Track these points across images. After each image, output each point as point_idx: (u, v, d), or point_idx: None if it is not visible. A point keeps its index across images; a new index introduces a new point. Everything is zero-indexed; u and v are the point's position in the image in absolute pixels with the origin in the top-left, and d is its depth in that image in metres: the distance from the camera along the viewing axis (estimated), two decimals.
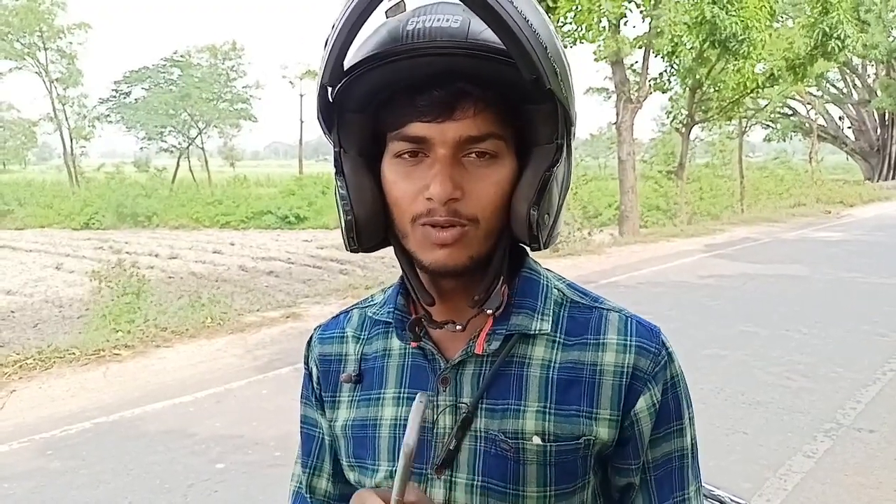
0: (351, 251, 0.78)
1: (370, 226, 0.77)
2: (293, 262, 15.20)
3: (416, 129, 0.72)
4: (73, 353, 5.88)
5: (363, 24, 0.68)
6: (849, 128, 36.77)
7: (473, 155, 0.72)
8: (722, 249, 12.38)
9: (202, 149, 35.91)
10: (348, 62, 0.72)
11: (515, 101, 0.73)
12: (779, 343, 6.01)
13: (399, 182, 0.74)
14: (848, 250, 12.05)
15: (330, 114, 0.77)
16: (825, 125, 35.70)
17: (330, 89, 0.74)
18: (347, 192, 0.76)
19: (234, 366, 5.70)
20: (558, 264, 10.27)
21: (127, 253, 14.77)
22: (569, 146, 0.76)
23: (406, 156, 0.74)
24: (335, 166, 0.78)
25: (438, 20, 0.69)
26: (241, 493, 3.48)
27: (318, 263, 14.77)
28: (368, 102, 0.75)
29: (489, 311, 0.76)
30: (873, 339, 6.15)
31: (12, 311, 10.45)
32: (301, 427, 0.92)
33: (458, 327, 0.78)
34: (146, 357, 5.96)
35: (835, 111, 36.76)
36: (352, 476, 0.86)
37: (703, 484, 0.86)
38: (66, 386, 5.25)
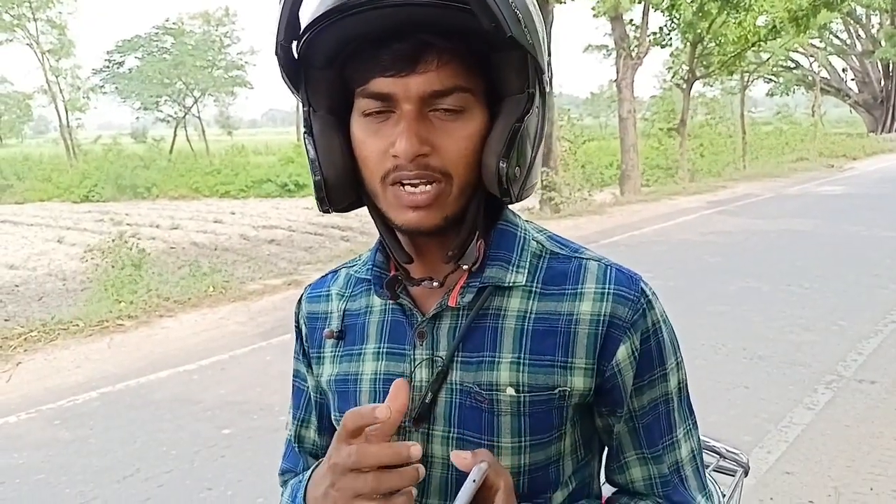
0: (322, 211, 0.77)
1: (340, 186, 0.75)
2: (294, 229, 15.20)
3: (380, 84, 0.70)
4: (77, 325, 5.91)
5: None
6: (852, 80, 36.32)
7: (441, 110, 0.70)
8: (724, 206, 12.34)
9: (198, 118, 35.62)
10: (311, 16, 0.70)
11: (482, 50, 0.70)
12: (781, 298, 6.02)
13: (367, 140, 0.73)
14: (851, 204, 12.00)
15: (296, 72, 0.75)
16: (828, 78, 35.25)
17: (294, 46, 0.72)
18: (316, 152, 0.75)
19: (238, 333, 5.73)
20: (559, 225, 10.25)
21: (128, 225, 14.79)
22: (543, 95, 0.74)
23: (373, 113, 0.72)
24: (304, 126, 0.76)
25: None
26: (248, 457, 3.52)
27: (319, 231, 14.76)
28: (334, 58, 0.73)
29: (465, 267, 0.76)
30: (875, 291, 6.15)
31: (16, 285, 10.49)
32: (293, 381, 0.95)
33: (436, 283, 0.78)
34: (150, 327, 5.99)
35: (838, 63, 36.27)
36: None
37: (698, 428, 0.85)
38: (71, 357, 5.29)
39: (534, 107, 0.72)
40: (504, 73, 0.72)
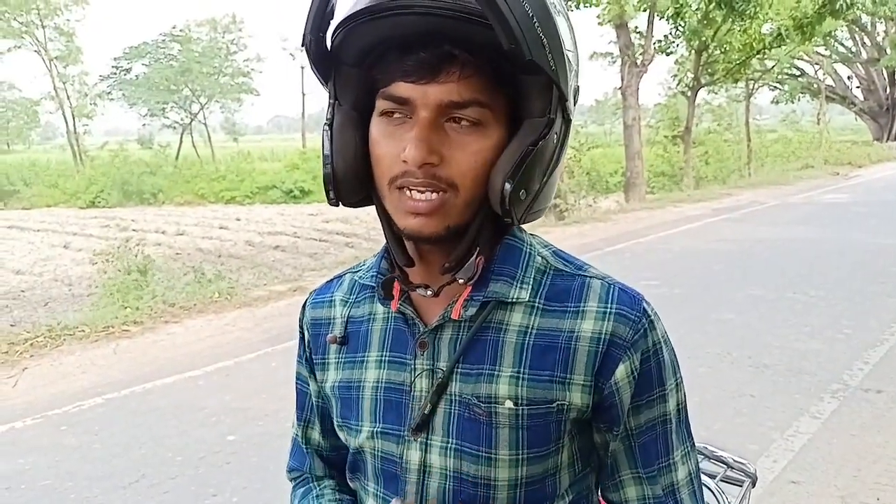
0: (331, 203, 0.78)
1: (349, 180, 0.76)
2: (299, 236, 15.25)
3: (401, 89, 0.71)
4: (83, 331, 5.93)
5: None
6: (857, 87, 36.21)
7: (456, 121, 0.71)
8: (729, 214, 12.31)
9: (204, 124, 35.80)
10: (344, 13, 0.71)
11: (508, 70, 0.70)
12: (786, 306, 6.00)
13: (381, 141, 0.74)
14: (856, 212, 11.96)
15: (328, 65, 0.76)
16: (833, 85, 35.20)
17: (329, 39, 0.73)
18: (331, 144, 0.76)
19: (243, 339, 5.74)
20: (563, 232, 10.25)
21: (134, 230, 14.84)
22: (567, 122, 0.74)
23: (391, 115, 0.73)
24: (327, 118, 0.77)
25: None
26: (253, 463, 3.52)
27: (323, 237, 14.81)
28: (364, 57, 0.75)
29: (460, 281, 0.76)
30: (880, 299, 6.13)
31: (23, 291, 10.55)
32: (296, 383, 0.96)
33: (430, 292, 0.78)
34: (155, 333, 6.00)
35: (843, 71, 36.21)
36: (341, 435, 0.88)
37: (697, 446, 0.85)
38: (76, 363, 5.31)
39: (552, 132, 0.72)
40: (527, 95, 0.72)
